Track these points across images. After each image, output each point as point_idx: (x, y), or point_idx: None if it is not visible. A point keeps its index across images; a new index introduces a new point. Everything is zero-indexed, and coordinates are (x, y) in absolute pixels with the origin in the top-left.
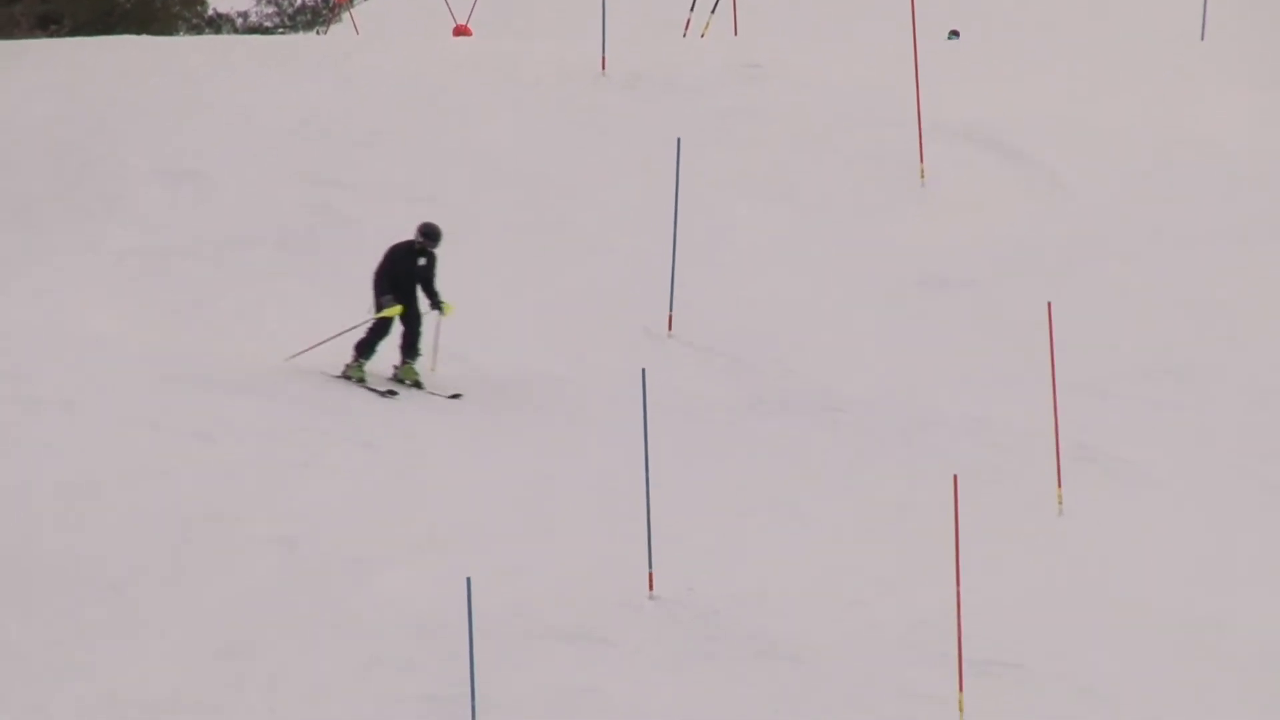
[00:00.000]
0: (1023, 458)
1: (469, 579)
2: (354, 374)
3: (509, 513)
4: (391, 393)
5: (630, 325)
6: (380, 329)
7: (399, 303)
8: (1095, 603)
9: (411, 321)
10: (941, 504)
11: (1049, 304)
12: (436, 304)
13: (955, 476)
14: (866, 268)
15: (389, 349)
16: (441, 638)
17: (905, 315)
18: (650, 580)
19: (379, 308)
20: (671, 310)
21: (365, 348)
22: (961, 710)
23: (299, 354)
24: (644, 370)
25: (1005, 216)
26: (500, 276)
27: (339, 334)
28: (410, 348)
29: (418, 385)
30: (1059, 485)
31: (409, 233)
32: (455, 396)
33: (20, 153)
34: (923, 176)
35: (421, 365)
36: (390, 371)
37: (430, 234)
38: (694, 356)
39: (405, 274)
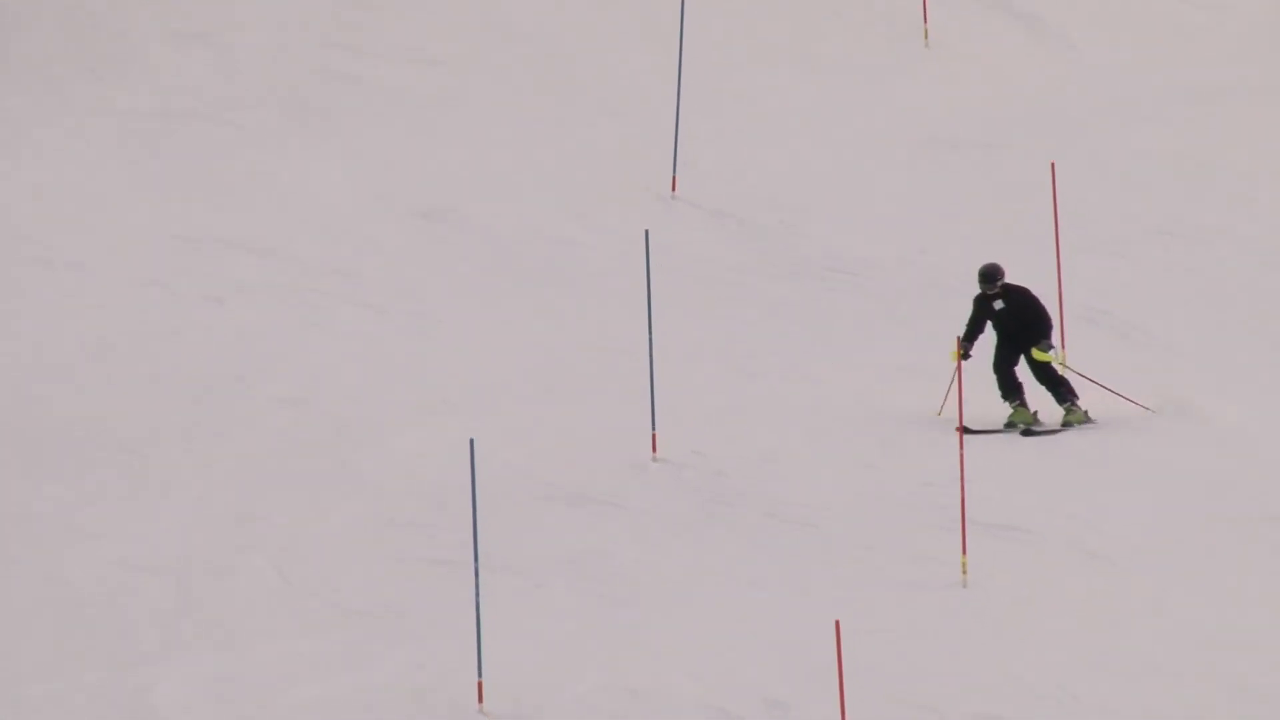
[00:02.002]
0: None
1: (473, 441)
2: (1075, 418)
3: (516, 376)
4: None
5: (635, 186)
6: (1039, 376)
7: (967, 350)
8: (1102, 465)
9: (1033, 368)
10: (948, 366)
11: (1052, 165)
12: (1034, 350)
13: (959, 338)
14: (875, 129)
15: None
16: (449, 500)
17: (914, 177)
18: (655, 443)
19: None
20: (676, 171)
21: (1062, 391)
22: (965, 573)
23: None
24: (647, 231)
25: (1014, 78)
26: (505, 137)
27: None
28: (1056, 391)
29: (1083, 421)
30: (1063, 347)
31: (416, 95)
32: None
33: (31, 14)
34: (926, 38)
35: (1078, 407)
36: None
37: (981, 276)
38: (700, 218)
39: (994, 322)
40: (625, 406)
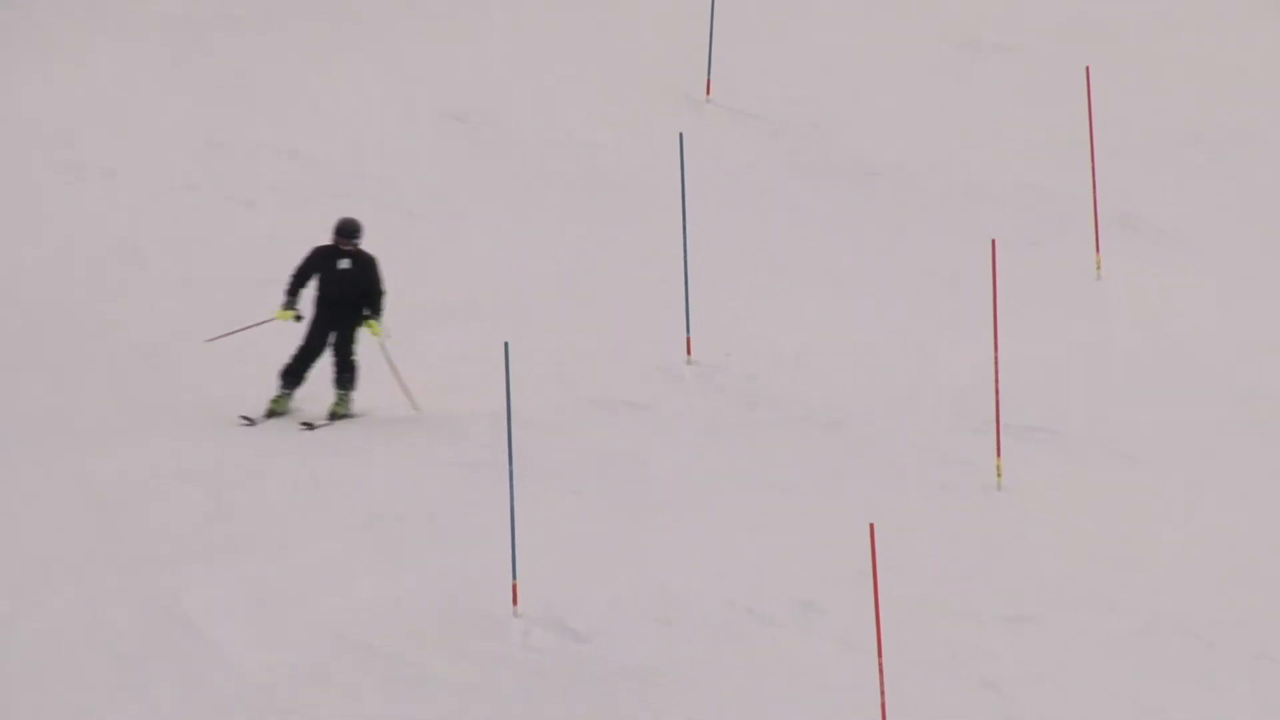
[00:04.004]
0: (1062, 224)
1: (507, 344)
2: (276, 406)
3: (548, 280)
4: (308, 425)
5: (669, 90)
6: (304, 347)
7: (291, 309)
8: (1135, 369)
9: (340, 344)
10: (980, 270)
11: (1087, 69)
12: (363, 320)
13: (994, 242)
14: (908, 33)
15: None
16: (481, 403)
17: (946, 81)
18: (689, 345)
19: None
20: (710, 75)
21: (289, 374)
22: (999, 476)
23: (218, 338)
24: (681, 135)
25: None
26: (538, 41)
27: (255, 324)
28: (338, 377)
29: (347, 416)
30: (1097, 251)
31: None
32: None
33: None
34: None
35: (354, 400)
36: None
37: (341, 228)
38: (733, 122)
39: (326, 280)
40: (658, 311)
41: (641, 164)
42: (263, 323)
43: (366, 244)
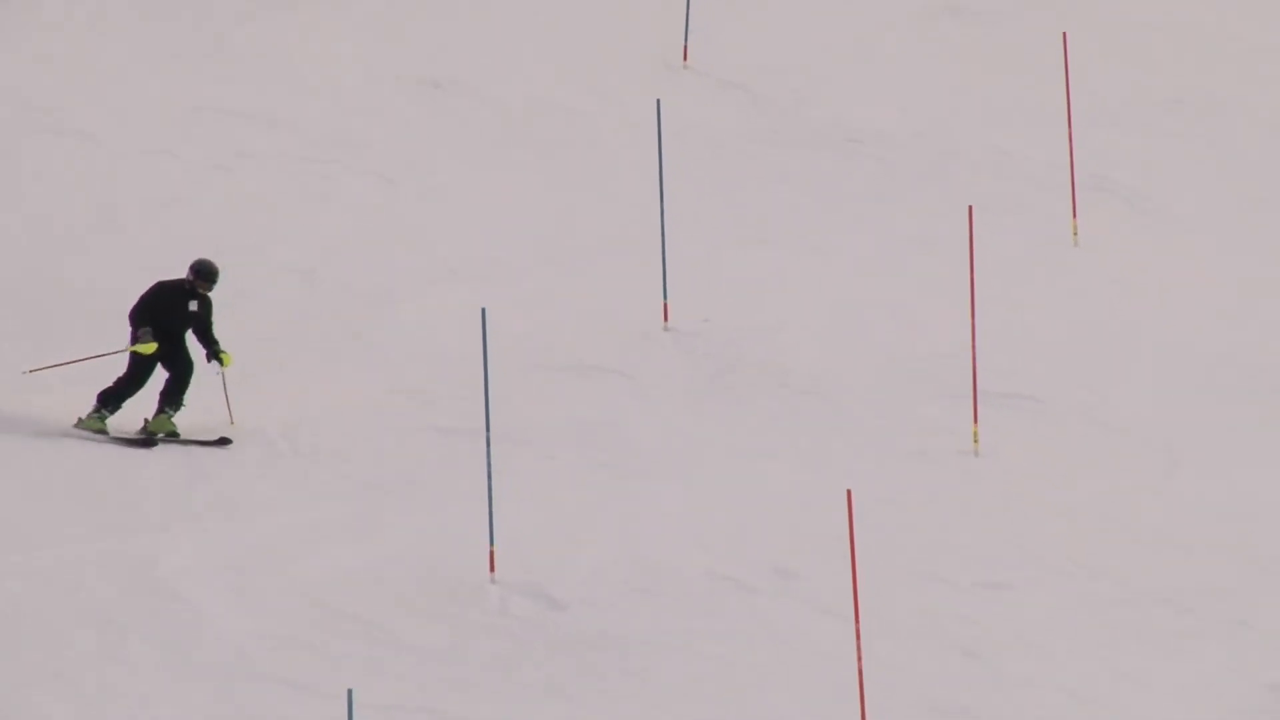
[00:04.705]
0: (1040, 190)
1: (484, 310)
2: (90, 425)
3: (525, 246)
4: (148, 442)
5: (646, 57)
6: (136, 376)
7: (160, 343)
8: (1112, 335)
9: (179, 369)
10: (958, 237)
11: (1064, 35)
12: (214, 354)
13: (970, 208)
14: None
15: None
16: (458, 369)
17: (925, 48)
18: (666, 311)
19: (133, 341)
20: (687, 41)
21: (112, 398)
22: (977, 442)
23: (38, 370)
24: (659, 101)
25: None
26: (515, 6)
27: (87, 358)
28: (172, 396)
29: (173, 436)
30: (1075, 217)
31: None
32: (223, 441)
33: None
34: None
35: (180, 417)
36: (140, 423)
37: (204, 273)
38: (710, 88)
39: (171, 318)
40: (635, 276)
41: (619, 130)
42: (106, 354)
43: (346, 210)
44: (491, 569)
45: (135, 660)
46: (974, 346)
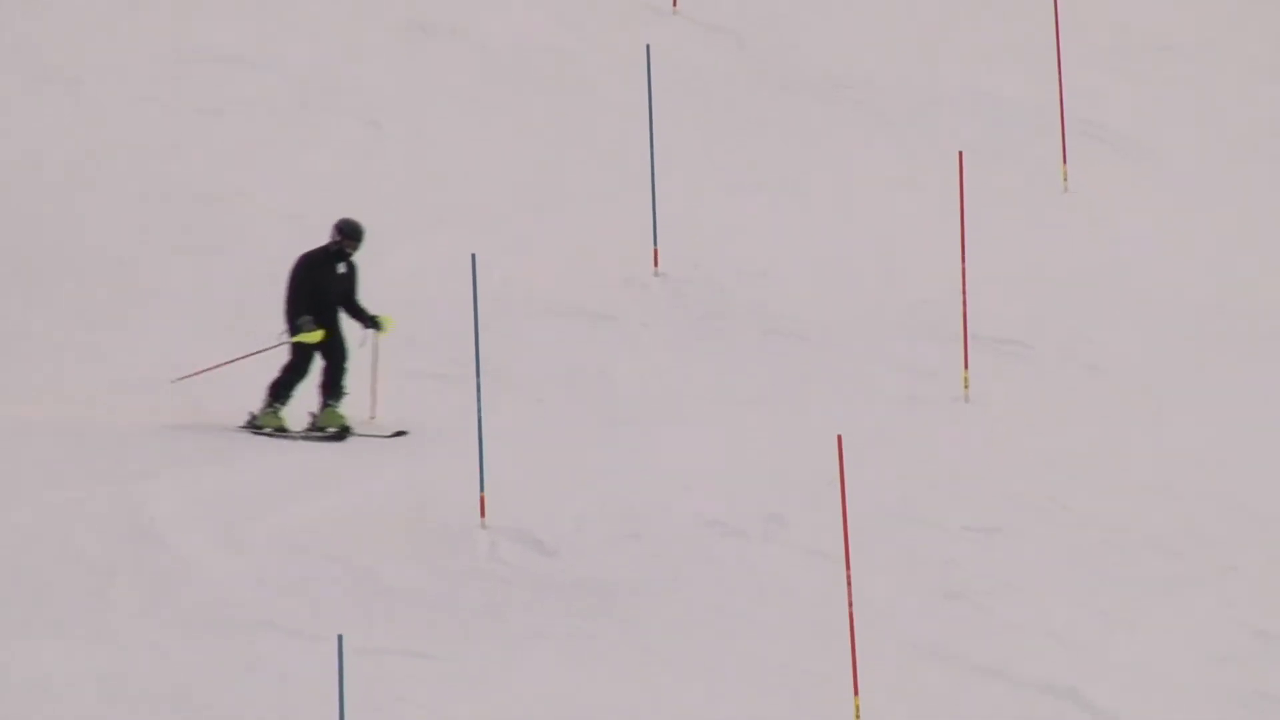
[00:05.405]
0: (1028, 134)
1: (474, 255)
2: (267, 422)
3: (514, 191)
4: (339, 435)
5: (635, 1)
6: (298, 366)
7: (320, 327)
8: (1101, 280)
9: (334, 353)
10: (947, 181)
11: None
12: (371, 322)
13: (960, 153)
14: None
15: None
16: (447, 315)
17: None
18: (655, 257)
19: (294, 331)
20: None
21: (282, 389)
22: (967, 387)
23: (187, 377)
24: (649, 46)
25: None
26: None
27: (240, 357)
28: (333, 386)
29: (346, 431)
30: (1064, 162)
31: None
32: (400, 434)
33: None
34: None
35: (348, 408)
36: (307, 420)
37: (351, 232)
38: (699, 33)
39: (323, 289)
40: (624, 222)
41: (608, 75)
42: (260, 351)
43: (332, 154)
44: (481, 515)
45: (123, 605)
46: (964, 291)
